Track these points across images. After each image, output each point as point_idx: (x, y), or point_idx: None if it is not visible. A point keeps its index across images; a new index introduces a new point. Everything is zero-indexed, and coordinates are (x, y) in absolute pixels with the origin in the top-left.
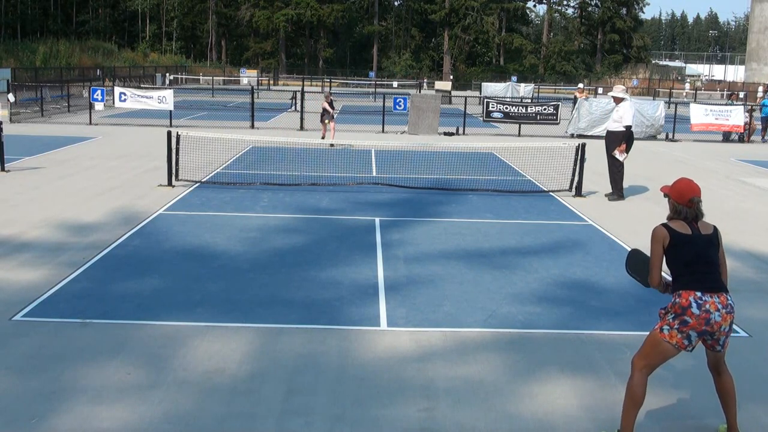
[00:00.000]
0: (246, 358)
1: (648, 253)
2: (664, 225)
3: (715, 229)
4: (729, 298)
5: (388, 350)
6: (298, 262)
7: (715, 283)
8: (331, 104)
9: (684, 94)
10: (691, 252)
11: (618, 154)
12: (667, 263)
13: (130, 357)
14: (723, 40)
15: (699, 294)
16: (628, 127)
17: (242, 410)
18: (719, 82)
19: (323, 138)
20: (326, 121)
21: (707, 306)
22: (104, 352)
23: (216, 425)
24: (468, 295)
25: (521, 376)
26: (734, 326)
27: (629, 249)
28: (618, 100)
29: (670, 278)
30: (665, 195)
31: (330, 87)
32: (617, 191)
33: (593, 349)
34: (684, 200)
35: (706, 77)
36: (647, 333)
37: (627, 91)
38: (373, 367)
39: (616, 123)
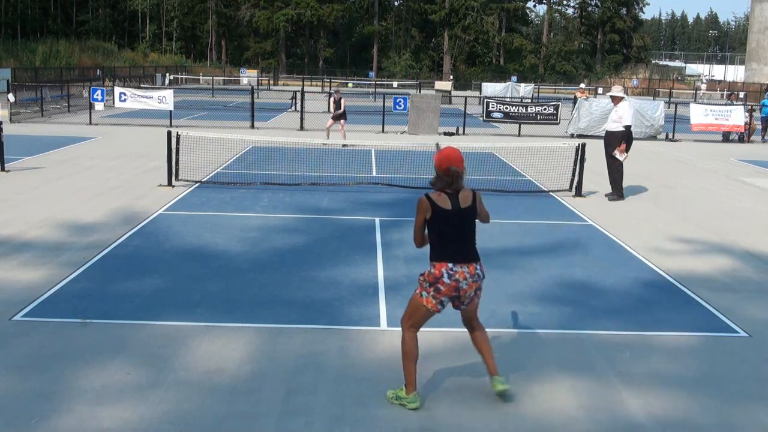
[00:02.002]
0: (246, 358)
1: None
2: (427, 196)
3: (474, 195)
4: (477, 267)
5: (388, 350)
6: (298, 262)
7: (467, 254)
8: (337, 104)
9: (701, 95)
10: (447, 226)
11: (618, 154)
12: (428, 230)
13: (130, 357)
14: (723, 40)
15: (450, 265)
16: (628, 127)
17: (242, 410)
18: (719, 82)
19: (327, 137)
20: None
21: (457, 276)
22: (104, 352)
23: (216, 425)
24: None
25: (521, 376)
26: (734, 326)
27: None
28: (616, 100)
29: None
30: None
31: (337, 85)
32: (617, 191)
33: (593, 349)
34: (442, 168)
35: (706, 77)
36: (647, 333)
37: (626, 91)
38: (373, 367)
39: (615, 123)
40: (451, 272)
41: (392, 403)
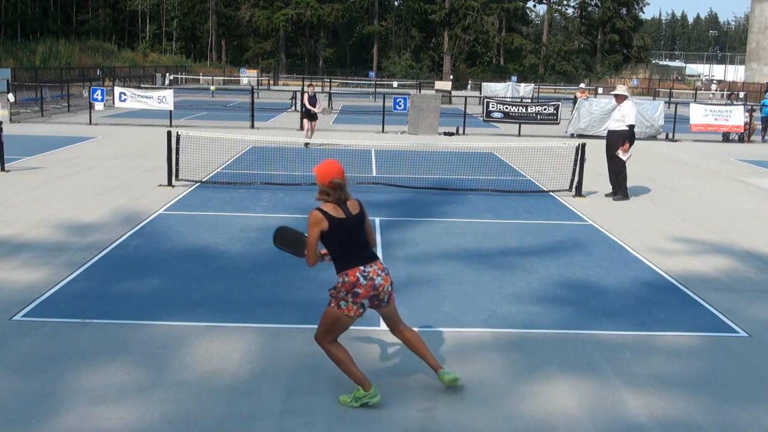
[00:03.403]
0: (246, 358)
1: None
2: (319, 210)
3: (360, 204)
4: (381, 263)
5: (388, 350)
6: (298, 262)
7: (370, 255)
8: (312, 100)
9: (710, 96)
10: (346, 234)
11: (621, 154)
12: (325, 245)
13: (130, 357)
14: (723, 40)
15: (362, 268)
16: (632, 127)
17: (242, 410)
18: (719, 81)
19: (308, 137)
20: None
21: (370, 274)
22: (104, 352)
23: (216, 425)
24: (468, 295)
25: (521, 376)
26: (734, 326)
27: (278, 227)
28: (620, 100)
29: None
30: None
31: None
32: (622, 191)
33: (593, 349)
34: (326, 182)
35: (707, 77)
36: (647, 333)
37: (628, 91)
38: (373, 367)
39: (618, 122)
40: (364, 273)
41: (353, 406)
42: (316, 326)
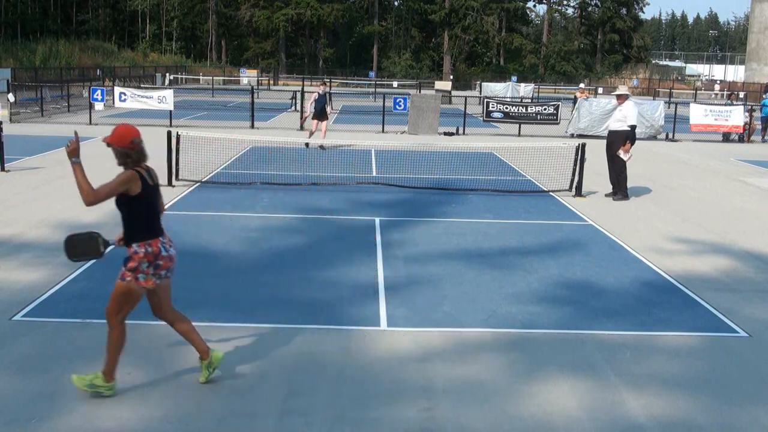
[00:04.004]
0: (246, 357)
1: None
2: (137, 171)
3: (153, 171)
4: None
5: (388, 350)
6: (298, 262)
7: (161, 226)
8: (321, 99)
9: (714, 95)
10: (153, 201)
11: (623, 154)
12: (129, 211)
13: (130, 357)
14: (723, 40)
15: (161, 239)
16: (633, 127)
17: (242, 410)
18: (719, 81)
19: (310, 136)
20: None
21: (167, 246)
22: (104, 352)
23: (216, 425)
24: (468, 295)
25: (521, 376)
26: (734, 326)
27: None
28: (621, 99)
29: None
30: (108, 144)
31: (326, 85)
32: (622, 192)
33: (593, 349)
34: (126, 143)
35: (707, 77)
36: (647, 333)
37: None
38: (373, 367)
39: (620, 122)
40: (164, 245)
41: (86, 390)
42: (316, 326)
